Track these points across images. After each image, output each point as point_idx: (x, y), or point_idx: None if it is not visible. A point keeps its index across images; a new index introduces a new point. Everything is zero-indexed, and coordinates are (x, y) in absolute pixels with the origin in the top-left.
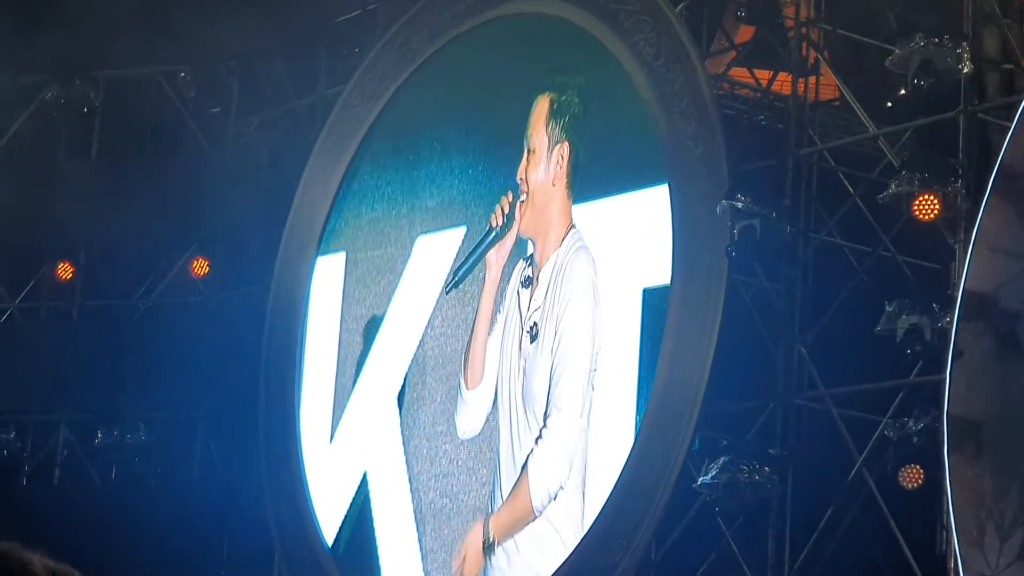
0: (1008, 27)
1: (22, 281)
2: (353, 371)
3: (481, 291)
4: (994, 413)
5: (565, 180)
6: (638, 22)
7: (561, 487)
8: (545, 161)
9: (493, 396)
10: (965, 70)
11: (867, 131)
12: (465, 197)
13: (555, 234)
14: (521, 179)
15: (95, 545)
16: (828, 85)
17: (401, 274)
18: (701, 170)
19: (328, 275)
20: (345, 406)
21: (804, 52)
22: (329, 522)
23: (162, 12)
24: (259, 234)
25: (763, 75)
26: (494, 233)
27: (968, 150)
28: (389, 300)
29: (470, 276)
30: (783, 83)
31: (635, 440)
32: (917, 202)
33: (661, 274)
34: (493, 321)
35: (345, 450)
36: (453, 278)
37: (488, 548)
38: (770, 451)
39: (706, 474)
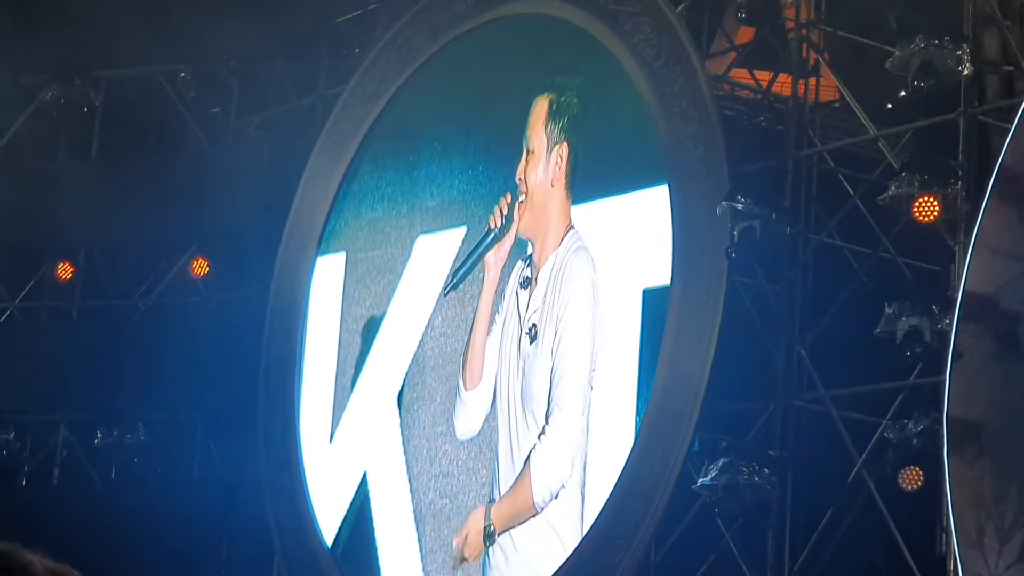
0: (1008, 29)
1: (22, 281)
2: (353, 371)
3: (480, 292)
4: (994, 415)
5: (564, 181)
6: (638, 23)
7: (563, 485)
8: (544, 162)
9: (492, 397)
10: (965, 72)
11: (867, 133)
12: (465, 197)
13: (554, 235)
14: (520, 180)
15: (95, 545)
16: (828, 86)
17: (401, 274)
18: (701, 171)
19: (328, 275)
20: (345, 406)
21: (804, 53)
22: (329, 522)
23: (162, 12)
24: (259, 234)
25: (763, 76)
26: (493, 234)
27: (968, 152)
28: (389, 300)
29: (469, 277)
30: (783, 84)
31: (635, 441)
32: (917, 204)
33: (661, 275)
34: (492, 322)
35: (345, 450)
36: (452, 280)
37: (488, 537)
38: (770, 452)
39: (706, 475)
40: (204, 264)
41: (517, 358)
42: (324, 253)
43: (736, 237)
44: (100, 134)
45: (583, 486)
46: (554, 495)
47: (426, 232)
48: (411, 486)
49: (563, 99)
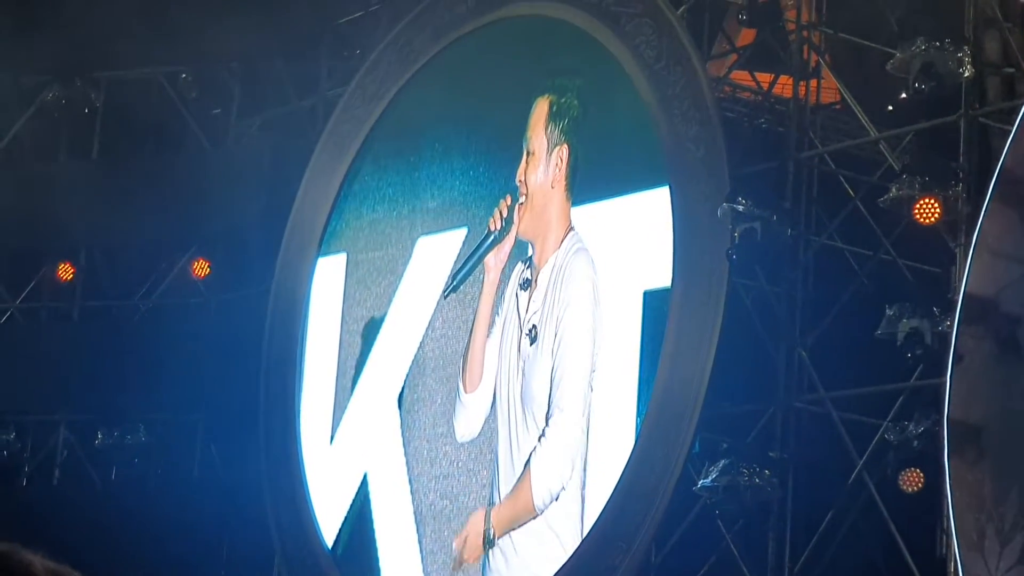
0: (1009, 31)
1: (23, 282)
2: (353, 372)
3: (480, 294)
4: (994, 417)
5: (564, 182)
6: (639, 25)
7: (563, 487)
8: (544, 163)
9: (491, 399)
10: (966, 74)
11: (868, 134)
12: (466, 198)
13: (554, 236)
14: (520, 181)
15: (95, 546)
16: (829, 88)
17: (402, 275)
18: (702, 173)
19: (329, 276)
20: (345, 407)
21: (805, 55)
22: (329, 523)
23: (163, 13)
24: (260, 235)
25: (764, 78)
26: (493, 236)
27: (969, 154)
28: (390, 301)
29: (470, 278)
30: (784, 86)
31: (635, 442)
32: (918, 206)
33: (662, 276)
34: (492, 324)
35: (345, 451)
36: (452, 282)
37: (488, 541)
38: (770, 454)
39: (706, 477)
40: (205, 265)
41: (517, 360)
42: (325, 254)
43: (737, 239)
44: (101, 135)
45: (583, 488)
46: (554, 497)
47: (427, 233)
48: (411, 487)
49: (563, 101)
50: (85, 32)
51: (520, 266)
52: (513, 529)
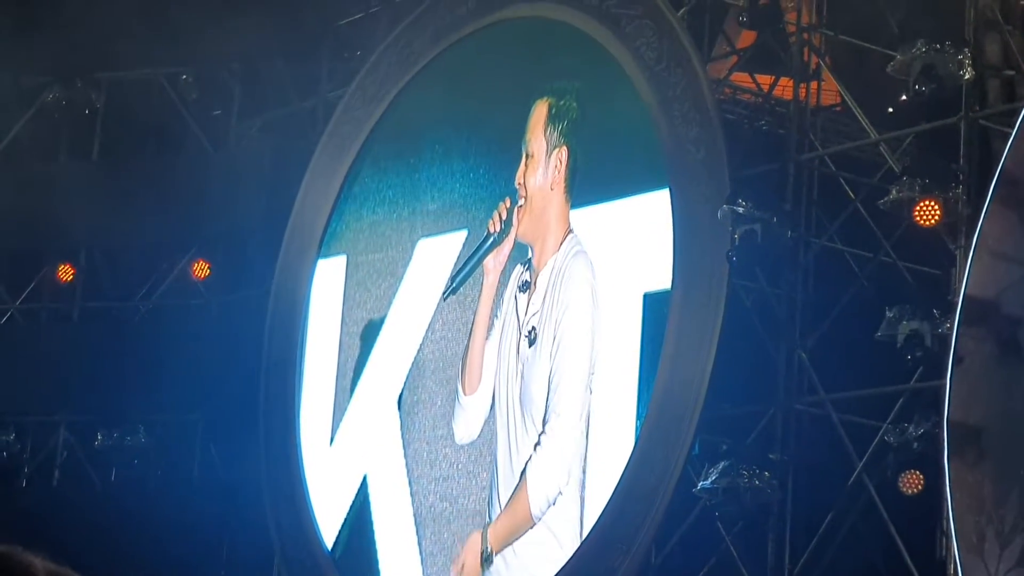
0: (1009, 33)
1: (23, 282)
2: (353, 374)
3: (479, 296)
4: (995, 419)
5: (563, 184)
6: (640, 26)
7: (560, 492)
8: (543, 165)
9: (491, 401)
10: (966, 76)
11: (868, 136)
12: (466, 200)
13: (553, 238)
14: (519, 184)
15: (94, 547)
16: (829, 90)
17: (402, 277)
18: (702, 174)
19: (329, 278)
20: (345, 409)
21: (805, 57)
22: (329, 525)
23: (164, 14)
24: (260, 236)
25: (764, 80)
26: (492, 239)
27: (969, 156)
28: (390, 303)
29: (469, 281)
30: (784, 88)
31: (635, 444)
32: (918, 208)
33: (662, 278)
34: (491, 326)
35: (345, 453)
36: (451, 284)
37: (486, 560)
38: (770, 456)
39: (706, 479)
40: (205, 266)
41: (516, 362)
42: (325, 256)
43: (737, 241)
44: (101, 136)
45: (582, 490)
46: (551, 503)
47: (427, 235)
48: (411, 489)
49: (562, 103)
50: (86, 33)
51: (519, 268)
52: (512, 542)
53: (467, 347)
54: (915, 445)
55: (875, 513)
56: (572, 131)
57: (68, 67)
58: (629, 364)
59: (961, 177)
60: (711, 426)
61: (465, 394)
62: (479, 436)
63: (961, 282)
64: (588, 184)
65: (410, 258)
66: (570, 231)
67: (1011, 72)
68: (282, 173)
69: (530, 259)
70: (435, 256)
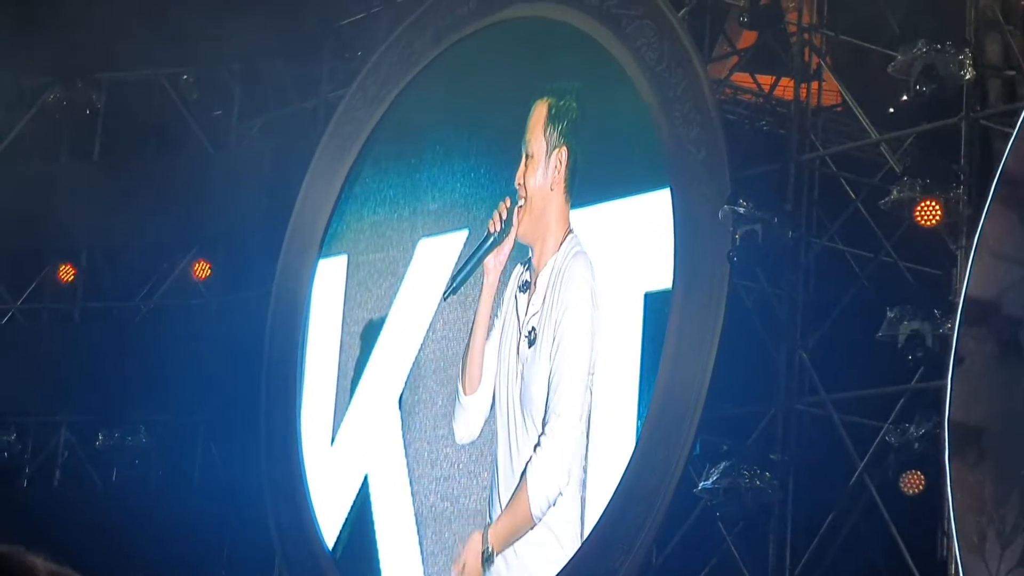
0: (1011, 33)
1: (24, 282)
2: (354, 374)
3: (479, 296)
4: (995, 419)
5: (563, 185)
6: (640, 27)
7: (560, 493)
8: (543, 166)
9: (491, 401)
10: (967, 76)
11: (869, 137)
12: (467, 200)
13: (553, 239)
14: (519, 184)
15: (95, 548)
16: (830, 90)
17: (403, 277)
18: (703, 175)
19: (330, 278)
20: (346, 409)
21: (806, 57)
22: (330, 525)
23: (164, 14)
24: (261, 237)
25: (765, 80)
26: (492, 239)
27: (970, 156)
28: (390, 303)
29: (470, 281)
30: (785, 88)
31: (636, 444)
32: (919, 208)
33: (663, 278)
34: (491, 326)
35: (346, 453)
36: (451, 285)
37: (487, 560)
38: (771, 456)
39: (707, 479)
40: (206, 266)
41: (516, 362)
42: (326, 256)
43: (738, 241)
44: (102, 136)
45: (583, 490)
46: (552, 503)
47: (428, 235)
48: (412, 489)
49: (562, 103)
50: (86, 33)
51: (519, 268)
52: (512, 542)
53: (467, 347)
54: (916, 445)
55: (876, 513)
56: (572, 131)
57: (69, 67)
58: (630, 364)
59: (962, 177)
60: (712, 426)
61: (465, 394)
62: (479, 436)
63: (962, 282)
64: (589, 184)
65: (411, 258)
66: (570, 231)
67: (1012, 72)
68: (283, 173)
69: (530, 259)
70: (436, 256)
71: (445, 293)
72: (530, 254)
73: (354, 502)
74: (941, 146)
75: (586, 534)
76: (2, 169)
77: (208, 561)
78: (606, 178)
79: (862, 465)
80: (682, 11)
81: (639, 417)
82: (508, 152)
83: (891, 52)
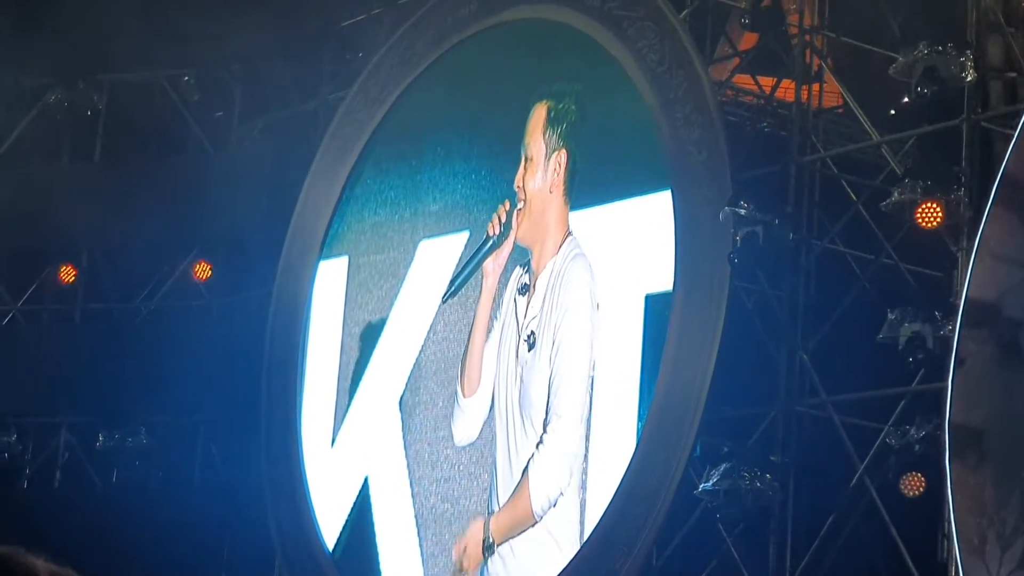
0: (1012, 36)
1: (24, 283)
2: (354, 375)
3: (478, 299)
4: (996, 421)
5: (562, 187)
6: (642, 28)
7: (561, 493)
8: (543, 169)
9: (490, 403)
10: (969, 78)
11: (870, 138)
12: (468, 202)
13: (552, 241)
14: (518, 187)
15: (96, 548)
16: (831, 92)
17: (403, 279)
18: (704, 176)
19: (330, 279)
20: (347, 410)
21: (808, 59)
22: (330, 526)
23: (165, 15)
24: (262, 238)
25: (766, 82)
26: (491, 242)
27: (971, 158)
28: (391, 304)
29: (470, 282)
30: (786, 90)
31: (636, 446)
32: (920, 210)
33: (663, 280)
34: (490, 329)
35: (346, 454)
36: (450, 287)
37: (487, 549)
38: (771, 458)
39: (707, 480)
40: (206, 268)
41: (515, 365)
42: (326, 257)
43: (739, 242)
44: (103, 137)
45: (583, 492)
46: (552, 503)
47: (429, 237)
48: (412, 490)
49: (561, 106)
50: (87, 34)
51: (518, 270)
52: (512, 537)
53: (466, 349)
54: (916, 447)
55: (876, 515)
56: (571, 134)
57: (70, 68)
58: (631, 366)
59: (963, 179)
60: (712, 428)
61: (464, 396)
62: (479, 437)
63: (963, 284)
64: (589, 186)
65: (412, 259)
66: (569, 234)
67: (1013, 74)
68: (283, 174)
69: (529, 261)
70: (437, 257)
71: (444, 296)
72: (529, 257)
73: (354, 503)
74: (942, 148)
75: (585, 537)
76: (3, 170)
77: (208, 562)
78: (607, 180)
79: (863, 467)
80: (683, 12)
81: (640, 419)
82: (509, 154)
83: (892, 54)
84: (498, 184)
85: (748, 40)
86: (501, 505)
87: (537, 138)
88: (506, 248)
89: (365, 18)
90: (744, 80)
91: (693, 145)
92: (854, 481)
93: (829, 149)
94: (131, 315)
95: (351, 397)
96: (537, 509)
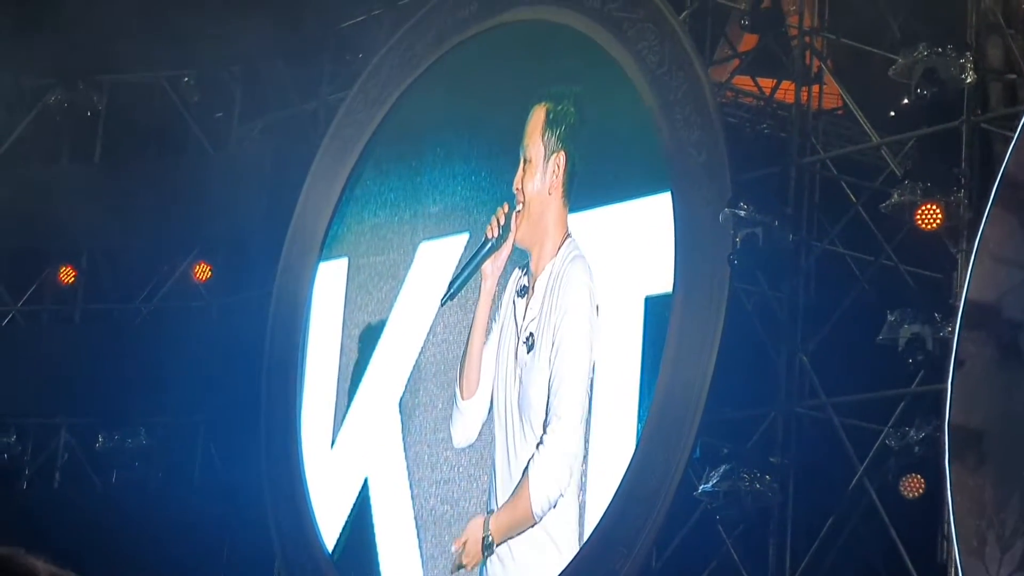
0: (1012, 37)
1: (24, 284)
2: (354, 377)
3: (477, 301)
4: (995, 423)
5: (561, 189)
6: (642, 30)
7: (561, 494)
8: (541, 171)
9: (488, 405)
10: (968, 80)
11: (870, 140)
12: (468, 204)
13: (551, 243)
14: (517, 189)
15: (95, 549)
16: (831, 94)
17: (403, 280)
18: (704, 178)
19: (330, 281)
20: (346, 412)
21: (807, 61)
22: (329, 527)
23: (165, 15)
24: (261, 239)
25: (766, 83)
26: (490, 244)
27: (971, 160)
28: (391, 306)
29: (471, 284)
30: (786, 91)
31: (636, 447)
32: (920, 211)
33: (663, 282)
34: (489, 330)
35: (346, 456)
36: (449, 290)
37: (487, 547)
38: (771, 459)
39: (707, 482)
40: (206, 268)
41: (514, 367)
42: (326, 258)
43: (738, 244)
44: (103, 138)
45: (582, 494)
46: (552, 504)
47: (428, 238)
48: (412, 492)
49: (560, 108)
50: (87, 35)
51: (517, 272)
52: (511, 537)
53: (465, 352)
54: (916, 449)
55: (876, 517)
56: (570, 136)
57: (70, 69)
58: (630, 367)
59: (963, 181)
60: (712, 429)
61: (463, 398)
62: (478, 439)
63: (962, 286)
64: (589, 188)
65: (411, 261)
66: (568, 236)
67: (1013, 76)
68: (283, 175)
69: (528, 263)
70: (437, 259)
71: (443, 299)
72: (528, 258)
73: (354, 505)
74: (942, 149)
75: (584, 539)
76: (3, 171)
77: (208, 562)
78: (606, 182)
79: (862, 468)
80: (683, 14)
81: (639, 420)
82: (509, 155)
83: (892, 55)
84: (498, 186)
85: (748, 41)
86: (500, 506)
87: (536, 140)
88: (505, 250)
89: (365, 19)
90: (744, 82)
91: (693, 147)
92: (854, 483)
93: (829, 151)
94: (131, 315)
95: (351, 398)
96: (537, 510)
